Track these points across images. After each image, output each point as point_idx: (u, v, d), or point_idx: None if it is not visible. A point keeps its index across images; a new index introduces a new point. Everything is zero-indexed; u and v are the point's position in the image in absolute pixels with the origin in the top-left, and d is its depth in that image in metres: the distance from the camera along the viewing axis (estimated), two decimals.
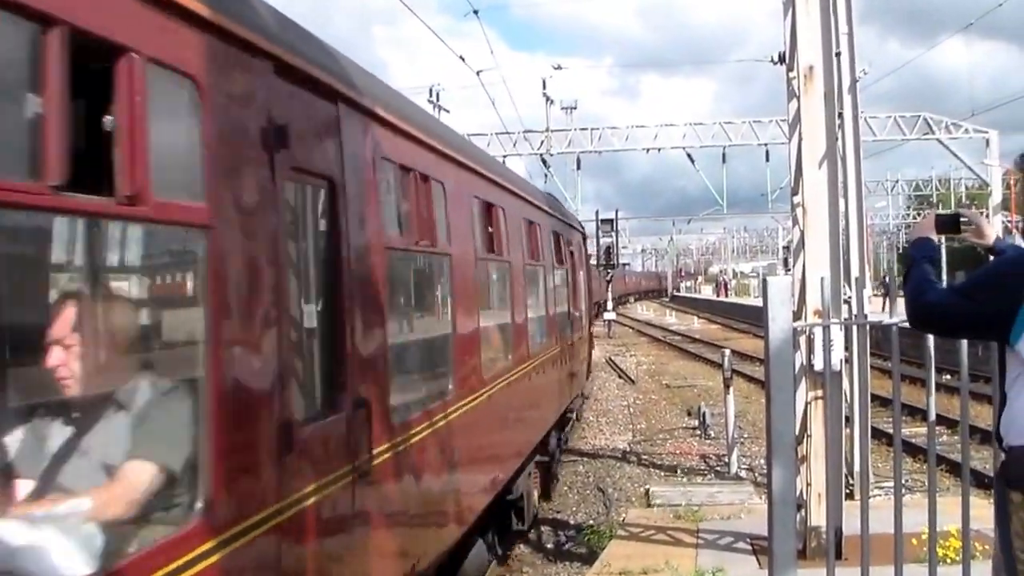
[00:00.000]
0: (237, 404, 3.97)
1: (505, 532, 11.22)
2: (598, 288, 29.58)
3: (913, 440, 14.74)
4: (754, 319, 50.03)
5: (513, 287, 10.80)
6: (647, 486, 13.70)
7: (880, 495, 10.23)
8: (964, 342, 5.72)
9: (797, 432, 7.82)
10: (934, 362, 6.07)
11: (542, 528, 12.56)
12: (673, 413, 22.54)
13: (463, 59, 20.06)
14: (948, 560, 7.30)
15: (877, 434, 14.91)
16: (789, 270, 10.02)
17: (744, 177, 78.79)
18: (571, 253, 17.23)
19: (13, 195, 2.82)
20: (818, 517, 8.54)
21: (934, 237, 4.74)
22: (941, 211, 6.63)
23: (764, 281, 6.36)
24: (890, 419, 17.28)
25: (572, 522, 12.95)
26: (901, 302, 4.77)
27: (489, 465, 9.17)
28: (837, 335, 7.75)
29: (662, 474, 15.12)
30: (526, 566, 11.15)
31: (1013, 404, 4.15)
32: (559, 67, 38.94)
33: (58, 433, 3.61)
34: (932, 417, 6.30)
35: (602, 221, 41.75)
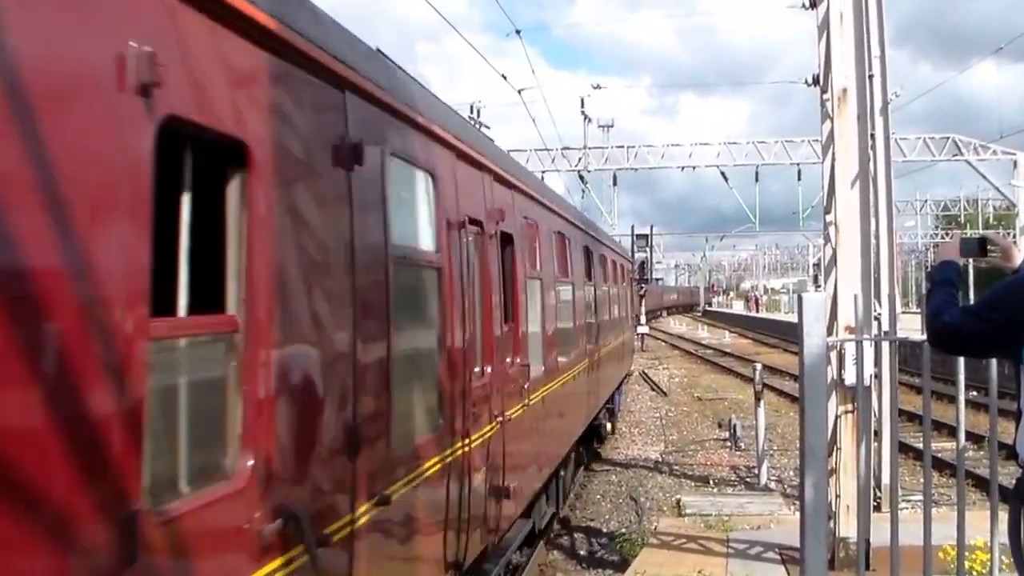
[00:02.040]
0: None
1: None
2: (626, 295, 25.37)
3: (939, 455, 14.82)
4: (784, 334, 49.85)
5: None
6: (678, 496, 13.86)
7: (907, 508, 10.35)
8: (994, 359, 5.85)
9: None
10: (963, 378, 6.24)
11: (575, 535, 12.76)
12: (704, 425, 22.65)
13: (505, 77, 20.32)
14: (975, 572, 7.44)
15: (903, 448, 14.99)
16: (819, 286, 10.20)
17: (776, 195, 78.61)
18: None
19: None
20: (846, 528, 8.71)
21: (958, 260, 4.82)
22: (966, 235, 6.67)
23: (799, 298, 6.45)
24: (916, 433, 17.41)
25: (605, 530, 13.13)
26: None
27: None
28: (867, 351, 7.92)
29: (693, 484, 15.27)
30: (560, 572, 11.33)
31: None
32: (598, 86, 39.39)
33: None
34: (962, 432, 6.47)
35: (637, 236, 41.94)
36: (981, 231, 39.00)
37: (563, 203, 14.21)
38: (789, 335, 44.28)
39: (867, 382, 7.97)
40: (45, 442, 2.61)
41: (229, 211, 3.67)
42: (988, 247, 4.84)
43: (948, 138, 39.99)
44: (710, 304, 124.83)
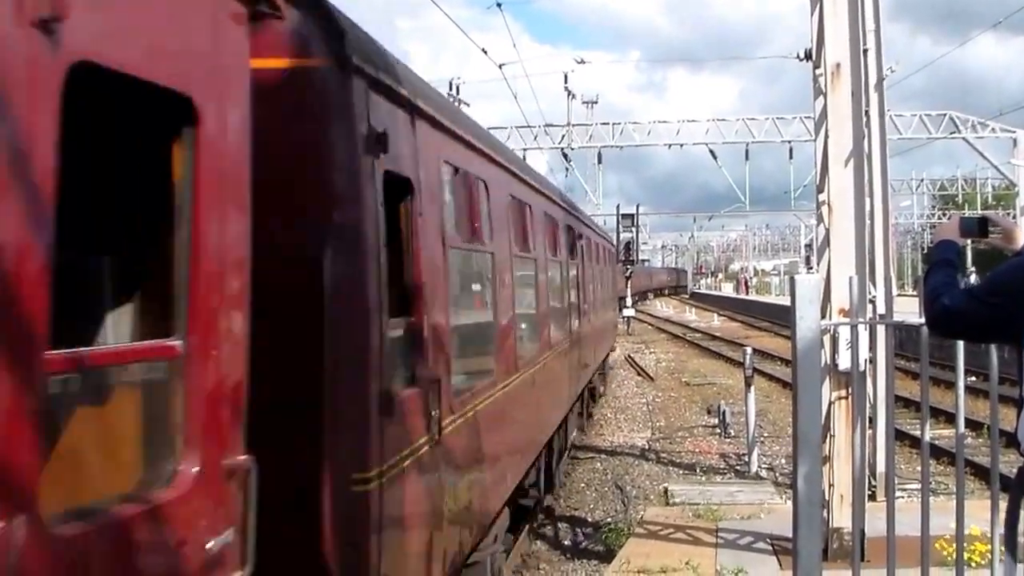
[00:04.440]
0: None
1: None
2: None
3: (937, 442, 14.64)
4: (775, 317, 49.74)
5: None
6: (666, 484, 13.63)
7: (903, 497, 10.14)
8: (994, 344, 5.65)
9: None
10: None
11: (560, 525, 12.53)
12: (693, 411, 22.43)
13: (486, 52, 19.97)
14: (973, 563, 7.24)
15: (900, 435, 14.79)
16: (811, 268, 9.99)
17: (767, 174, 78.69)
18: None
19: None
20: (840, 518, 8.49)
21: (957, 240, 4.62)
22: (966, 214, 6.47)
23: (792, 280, 6.28)
24: (912, 420, 17.22)
25: (590, 519, 12.91)
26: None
27: None
28: (862, 334, 7.69)
29: (681, 472, 15.06)
30: (544, 563, 11.11)
31: None
32: (582, 61, 38.78)
33: None
34: (961, 419, 6.25)
35: (622, 216, 41.67)
36: (980, 211, 38.77)
37: None
38: (780, 318, 44.22)
39: (862, 367, 7.75)
40: None
41: None
42: (989, 227, 4.64)
43: (945, 115, 39.70)
44: (698, 286, 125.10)
